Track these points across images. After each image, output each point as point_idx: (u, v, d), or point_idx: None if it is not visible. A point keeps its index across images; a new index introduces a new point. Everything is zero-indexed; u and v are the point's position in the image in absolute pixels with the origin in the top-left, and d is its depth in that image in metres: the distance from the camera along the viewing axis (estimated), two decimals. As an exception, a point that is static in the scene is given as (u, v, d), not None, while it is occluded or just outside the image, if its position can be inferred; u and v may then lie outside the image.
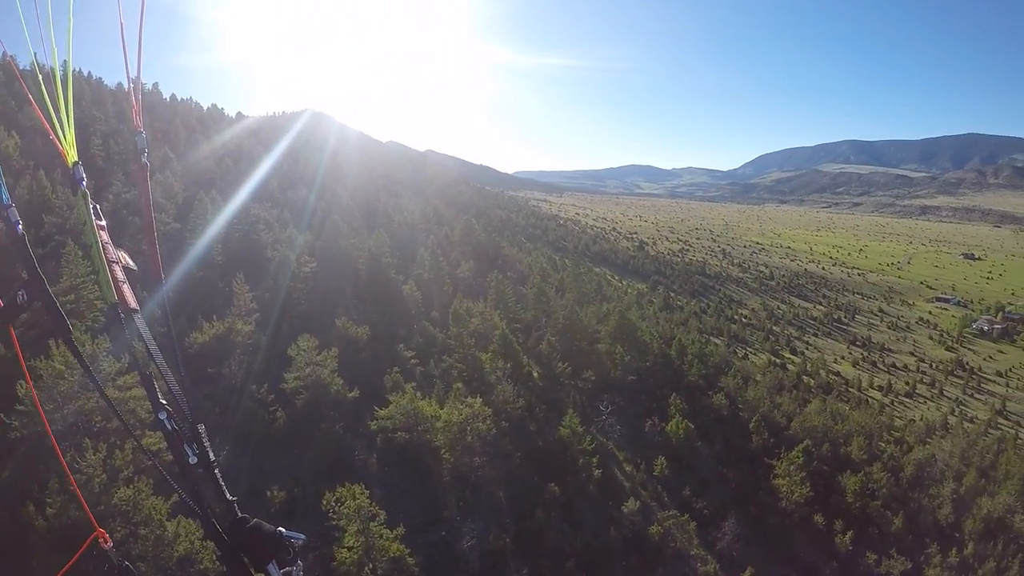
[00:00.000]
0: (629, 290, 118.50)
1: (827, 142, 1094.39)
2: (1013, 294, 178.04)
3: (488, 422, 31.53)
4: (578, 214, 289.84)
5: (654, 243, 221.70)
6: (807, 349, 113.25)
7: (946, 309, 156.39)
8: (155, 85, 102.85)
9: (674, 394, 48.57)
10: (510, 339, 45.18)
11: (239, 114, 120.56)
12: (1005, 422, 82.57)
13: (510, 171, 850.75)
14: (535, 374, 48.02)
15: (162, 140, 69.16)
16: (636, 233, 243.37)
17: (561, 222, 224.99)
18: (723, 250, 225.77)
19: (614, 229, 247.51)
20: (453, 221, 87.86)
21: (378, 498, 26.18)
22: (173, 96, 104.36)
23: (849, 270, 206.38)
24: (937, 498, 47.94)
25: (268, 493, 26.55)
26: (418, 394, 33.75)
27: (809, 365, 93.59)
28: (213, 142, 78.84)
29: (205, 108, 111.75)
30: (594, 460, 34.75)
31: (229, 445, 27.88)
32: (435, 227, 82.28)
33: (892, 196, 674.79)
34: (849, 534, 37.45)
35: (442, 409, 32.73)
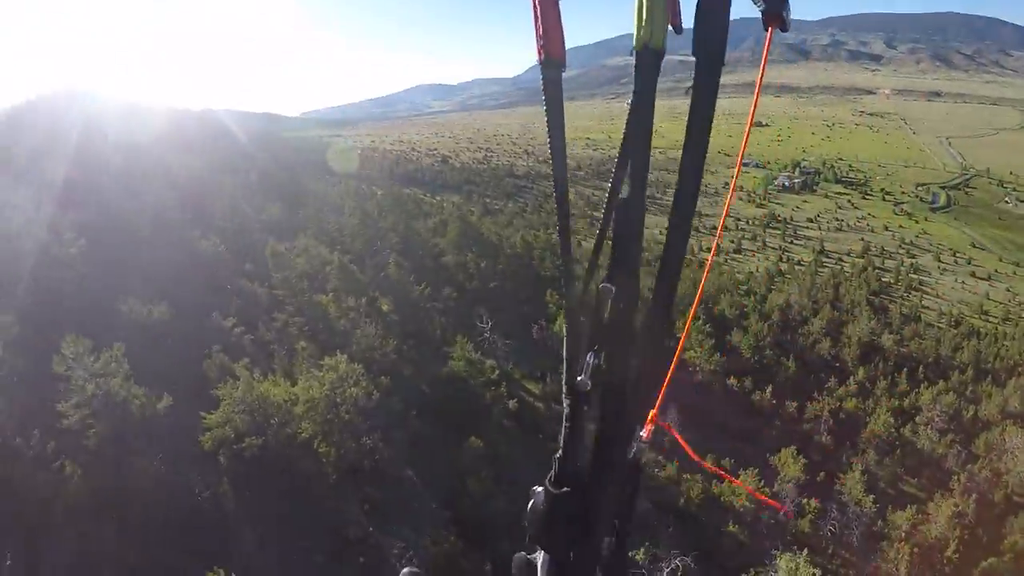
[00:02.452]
0: (446, 204, 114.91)
1: (608, 38, 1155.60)
2: (804, 151, 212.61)
3: (363, 383, 24.03)
4: (374, 142, 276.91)
5: (457, 156, 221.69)
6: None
7: (747, 172, 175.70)
8: None
9: (549, 289, 45.55)
10: (350, 269, 37.92)
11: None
12: (828, 259, 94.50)
13: (295, 114, 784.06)
14: (384, 307, 41.55)
15: None
16: (437, 149, 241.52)
17: (359, 152, 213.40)
18: (526, 151, 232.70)
19: (414, 150, 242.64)
20: (247, 169, 76.56)
21: (247, 551, 18.40)
22: None
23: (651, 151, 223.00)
24: (811, 336, 51.30)
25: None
26: (256, 373, 24.92)
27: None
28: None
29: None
30: (503, 389, 29.84)
31: (16, 541, 17.43)
32: (228, 176, 70.18)
33: (674, 81, 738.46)
34: (769, 388, 37.64)
35: (295, 386, 24.32)
